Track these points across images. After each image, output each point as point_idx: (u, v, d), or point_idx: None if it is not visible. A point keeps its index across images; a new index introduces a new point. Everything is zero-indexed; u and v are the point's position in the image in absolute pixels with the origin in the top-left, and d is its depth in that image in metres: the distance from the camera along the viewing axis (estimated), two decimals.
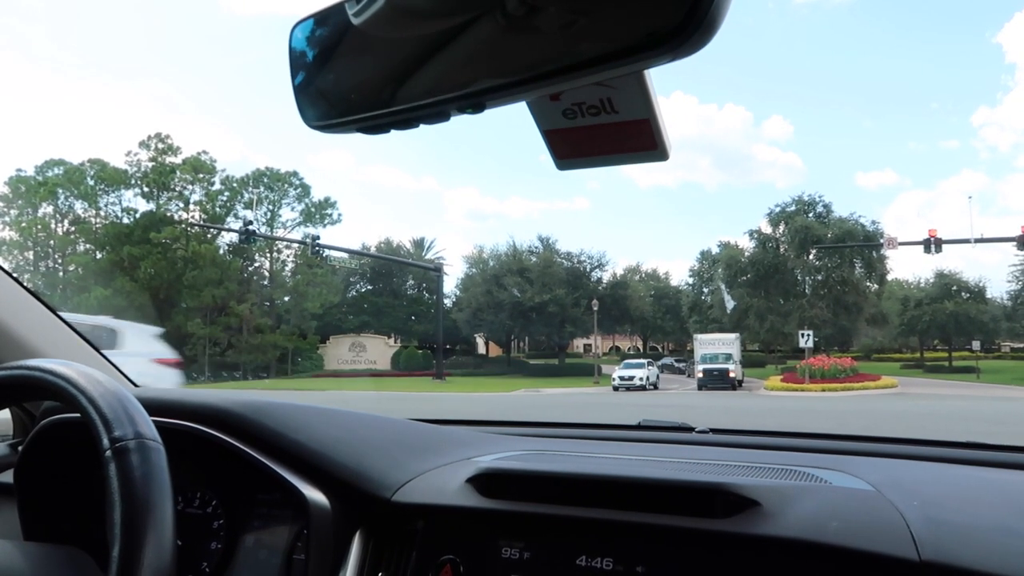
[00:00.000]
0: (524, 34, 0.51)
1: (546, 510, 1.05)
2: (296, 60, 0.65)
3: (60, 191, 39.77)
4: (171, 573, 0.81)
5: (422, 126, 0.61)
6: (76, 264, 39.54)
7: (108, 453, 0.83)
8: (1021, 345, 45.97)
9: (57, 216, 41.10)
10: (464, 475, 1.14)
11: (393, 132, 0.63)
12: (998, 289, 45.28)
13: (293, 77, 0.65)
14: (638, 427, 1.75)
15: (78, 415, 0.88)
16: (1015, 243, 27.50)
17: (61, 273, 40.55)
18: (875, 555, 0.87)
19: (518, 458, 1.32)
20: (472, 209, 73.18)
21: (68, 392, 0.89)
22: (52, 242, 40.72)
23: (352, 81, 0.62)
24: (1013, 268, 41.55)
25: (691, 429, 1.68)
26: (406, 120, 0.60)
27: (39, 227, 40.17)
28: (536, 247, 45.63)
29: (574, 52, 0.50)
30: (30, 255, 40.83)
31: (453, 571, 1.05)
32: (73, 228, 40.96)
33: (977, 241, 28.46)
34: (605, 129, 0.67)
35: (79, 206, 40.85)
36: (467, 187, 75.26)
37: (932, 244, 27.14)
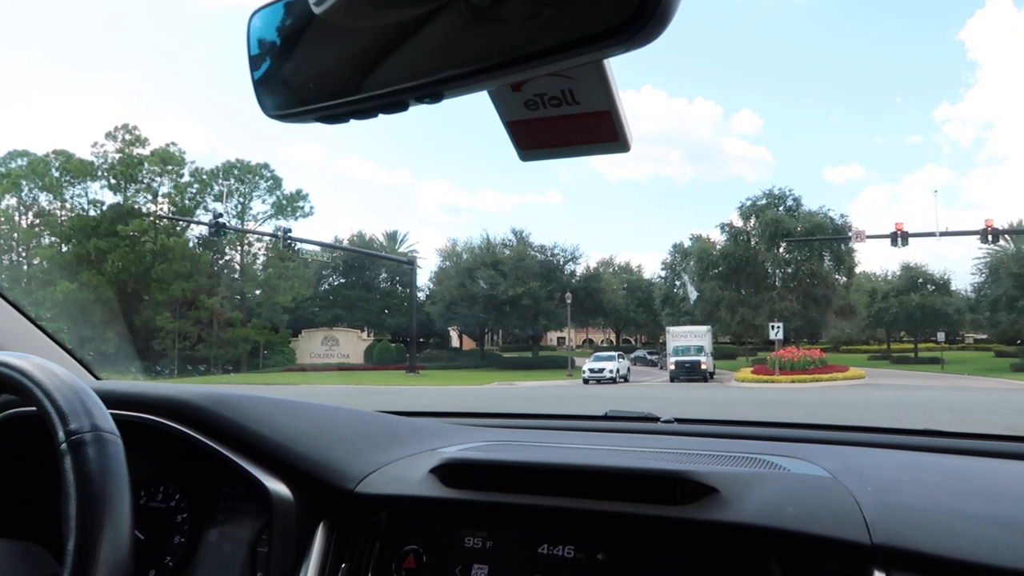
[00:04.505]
0: (483, 24, 0.51)
1: (508, 499, 1.06)
2: (254, 48, 0.64)
3: (24, 183, 38.83)
4: (128, 567, 0.80)
5: (384, 116, 0.60)
6: (41, 257, 38.73)
7: (63, 446, 0.82)
8: (984, 336, 46.90)
9: (21, 208, 40.19)
10: (427, 466, 1.14)
11: (365, 123, 0.63)
12: (962, 282, 46.15)
13: (251, 65, 0.64)
14: (605, 417, 1.77)
15: (34, 408, 0.87)
16: (978, 236, 28.08)
17: (25, 267, 39.70)
18: (829, 539, 0.89)
19: (482, 448, 1.33)
20: (445, 202, 72.87)
21: (23, 384, 0.88)
22: (15, 235, 39.82)
23: (311, 70, 0.61)
24: (976, 261, 42.29)
25: (656, 419, 1.70)
26: (365, 109, 0.60)
27: (2, 220, 39.28)
28: (510, 240, 45.57)
29: (529, 43, 0.50)
30: None
31: (416, 561, 1.05)
32: (37, 221, 40.08)
33: (942, 234, 28.95)
34: (567, 120, 0.67)
35: (44, 198, 39.96)
36: (439, 180, 74.98)
37: (899, 237, 27.58)
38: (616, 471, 1.06)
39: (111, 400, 0.93)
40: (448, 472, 1.11)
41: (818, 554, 0.89)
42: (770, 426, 1.60)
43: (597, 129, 0.68)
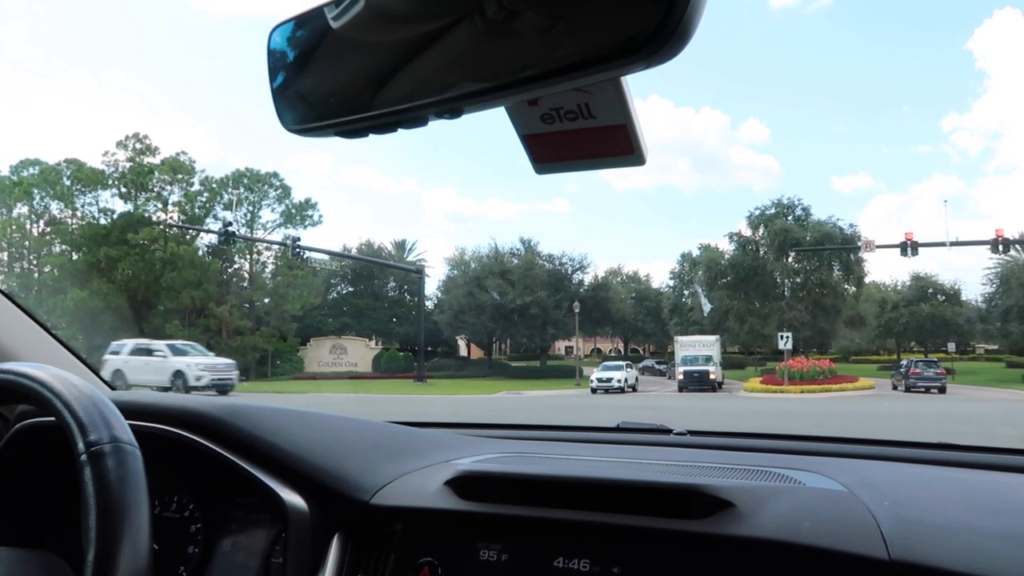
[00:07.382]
0: (502, 39, 0.51)
1: (524, 512, 1.05)
2: (274, 63, 0.65)
3: (35, 191, 39.16)
4: None
5: (400, 130, 0.61)
6: (52, 265, 38.95)
7: (83, 457, 0.83)
8: (995, 347, 46.55)
9: (32, 217, 40.51)
10: (442, 478, 1.14)
11: (372, 134, 0.64)
12: (972, 292, 45.91)
13: (271, 80, 0.65)
14: (617, 429, 1.76)
15: (53, 419, 0.87)
16: (989, 246, 27.95)
17: (36, 275, 39.93)
18: (846, 555, 0.88)
19: (496, 460, 1.33)
20: (452, 211, 73.15)
21: (43, 396, 0.89)
22: (27, 243, 40.10)
23: (331, 85, 0.62)
24: (987, 271, 42.14)
25: (669, 431, 1.69)
26: (384, 124, 0.60)
27: (14, 228, 39.55)
28: (518, 249, 45.61)
29: (550, 59, 0.50)
30: (4, 256, 40.30)
31: (431, 573, 1.05)
32: (49, 229, 40.36)
33: (952, 244, 28.85)
34: (583, 134, 0.68)
35: (55, 206, 40.31)
36: (445, 188, 75.22)
37: (908, 247, 27.48)
38: (631, 484, 1.05)
39: (127, 411, 0.93)
40: (463, 484, 1.11)
41: (835, 570, 0.89)
42: (784, 439, 1.59)
43: (613, 143, 0.68)
